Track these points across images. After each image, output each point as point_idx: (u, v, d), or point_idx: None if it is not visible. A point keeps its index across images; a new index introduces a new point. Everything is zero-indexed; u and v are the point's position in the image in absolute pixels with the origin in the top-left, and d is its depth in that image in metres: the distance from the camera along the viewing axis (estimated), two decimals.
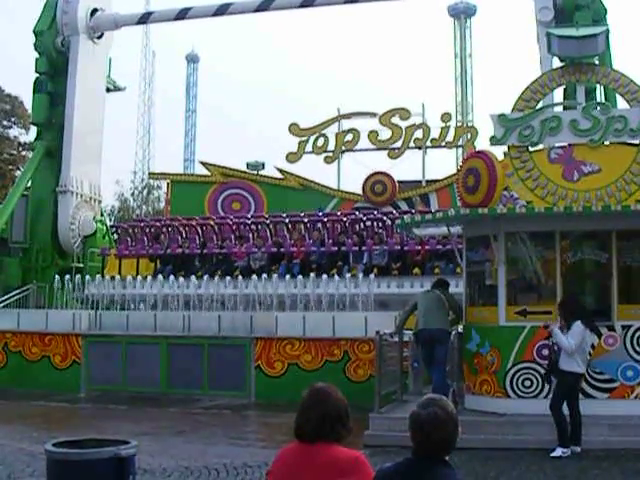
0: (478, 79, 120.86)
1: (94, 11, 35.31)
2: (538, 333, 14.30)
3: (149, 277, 25.86)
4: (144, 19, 37.36)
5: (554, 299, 14.54)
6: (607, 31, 16.98)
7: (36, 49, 35.14)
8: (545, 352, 13.93)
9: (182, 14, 34.61)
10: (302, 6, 33.12)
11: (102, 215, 38.35)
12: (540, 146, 15.86)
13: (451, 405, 4.46)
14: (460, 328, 16.24)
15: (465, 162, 16.41)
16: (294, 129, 34.78)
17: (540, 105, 16.14)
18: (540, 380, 14.21)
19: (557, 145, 15.80)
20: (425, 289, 16.55)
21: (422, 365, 16.26)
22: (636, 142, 15.45)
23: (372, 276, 23.33)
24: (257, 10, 33.69)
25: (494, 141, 15.80)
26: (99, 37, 35.89)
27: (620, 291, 14.56)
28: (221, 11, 33.89)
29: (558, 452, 12.65)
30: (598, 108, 15.84)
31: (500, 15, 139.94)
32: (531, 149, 15.77)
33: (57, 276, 27.20)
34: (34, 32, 35.04)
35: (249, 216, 30.79)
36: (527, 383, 14.48)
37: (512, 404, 14.46)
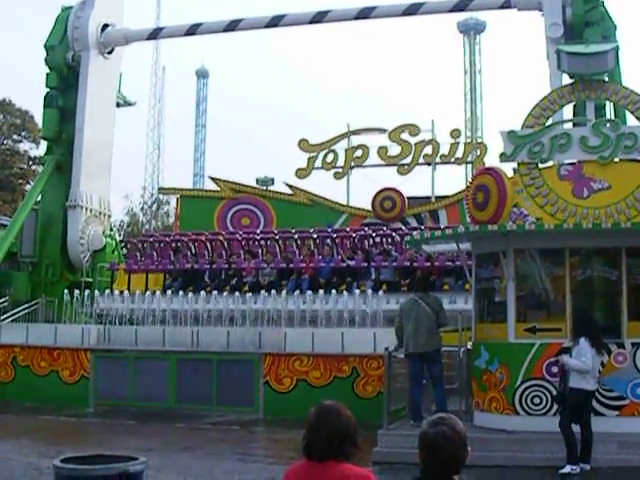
0: (488, 95, 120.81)
1: (105, 26, 35.44)
2: (548, 350, 14.29)
3: (158, 292, 25.85)
4: (154, 35, 37.51)
5: (564, 316, 14.53)
6: (617, 48, 17.00)
7: (47, 64, 35.23)
8: (555, 369, 13.90)
9: (192, 30, 34.72)
10: (312, 22, 33.21)
11: (111, 230, 38.37)
12: (550, 163, 15.84)
13: (460, 424, 4.44)
14: (469, 345, 16.25)
15: (474, 179, 16.40)
16: (303, 145, 34.78)
17: (550, 122, 16.14)
18: (549, 397, 14.17)
19: (567, 162, 15.77)
20: (410, 298, 16.26)
21: (426, 380, 16.15)
22: None
23: (381, 292, 23.30)
24: (267, 26, 33.80)
25: (504, 158, 15.78)
26: (110, 52, 36.00)
27: (630, 308, 14.51)
28: (231, 27, 34.00)
29: (567, 469, 12.59)
30: (608, 125, 15.80)
31: (510, 32, 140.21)
32: (541, 166, 15.74)
33: (66, 290, 27.21)
34: (45, 47, 35.15)
35: (258, 232, 30.80)
36: (536, 400, 14.42)
37: (521, 421, 14.40)
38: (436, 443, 4.32)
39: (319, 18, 32.94)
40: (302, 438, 4.79)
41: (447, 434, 4.33)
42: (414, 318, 15.50)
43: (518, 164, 15.78)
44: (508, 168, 16.34)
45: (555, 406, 13.79)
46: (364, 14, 32.59)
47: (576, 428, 12.88)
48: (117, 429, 18.69)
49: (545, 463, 13.08)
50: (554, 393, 13.78)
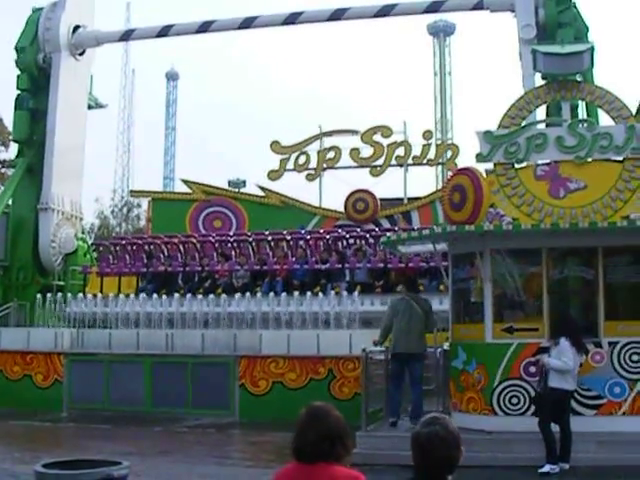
0: (458, 97, 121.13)
1: (76, 28, 35.25)
2: (525, 350, 14.30)
3: (131, 295, 25.69)
4: (126, 36, 37.39)
5: (541, 316, 14.56)
6: (592, 48, 17.01)
7: (17, 66, 35.01)
8: (533, 369, 13.92)
9: (164, 31, 34.60)
10: (285, 23, 33.23)
11: (83, 233, 38.15)
12: (526, 163, 15.86)
13: (453, 424, 4.40)
14: (446, 345, 16.25)
15: (451, 179, 16.40)
16: (275, 147, 34.71)
17: (524, 122, 16.17)
18: (527, 397, 14.18)
19: (543, 162, 15.80)
20: (402, 297, 16.18)
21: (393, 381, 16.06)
22: (621, 159, 15.46)
23: (356, 294, 23.28)
24: (240, 28, 33.77)
25: (480, 158, 15.78)
26: (81, 54, 35.82)
27: (606, 308, 14.54)
28: (203, 28, 33.93)
29: (546, 469, 12.59)
30: (584, 125, 15.86)
31: (479, 34, 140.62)
32: (517, 166, 15.76)
33: (38, 294, 27.01)
34: (15, 49, 34.93)
35: (231, 234, 30.70)
36: (514, 400, 14.42)
37: (499, 421, 14.39)
38: (429, 443, 4.27)
39: (292, 19, 32.94)
40: (291, 440, 4.73)
41: (440, 434, 4.28)
42: (407, 318, 15.43)
43: (494, 164, 15.78)
44: (482, 168, 16.30)
45: (533, 407, 13.81)
46: (337, 15, 32.63)
47: (555, 428, 12.89)
48: (92, 433, 18.54)
49: (524, 463, 13.05)
50: (533, 394, 13.78)
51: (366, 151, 33.90)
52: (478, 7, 31.24)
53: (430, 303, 16.17)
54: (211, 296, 24.24)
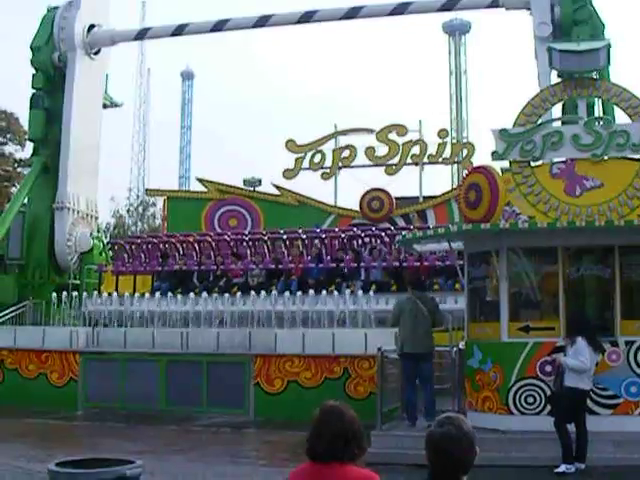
0: (473, 95, 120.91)
1: (91, 27, 35.28)
2: (541, 349, 14.25)
3: (146, 294, 25.72)
4: (141, 35, 37.38)
5: (557, 315, 14.51)
6: (608, 45, 16.92)
7: (33, 65, 35.04)
8: (548, 368, 13.86)
9: (179, 30, 34.58)
10: (300, 22, 33.17)
11: (99, 232, 38.18)
12: (541, 161, 15.79)
13: (468, 424, 4.36)
14: (461, 344, 16.19)
15: (466, 177, 16.35)
16: (291, 145, 34.64)
17: (540, 120, 16.10)
18: (543, 396, 14.11)
19: (559, 160, 15.72)
20: (408, 297, 16.09)
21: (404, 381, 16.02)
22: (638, 157, 15.39)
23: (371, 292, 23.22)
24: (255, 26, 33.70)
25: (496, 156, 15.74)
26: (96, 53, 35.83)
27: (623, 306, 14.49)
28: (218, 27, 33.90)
29: (562, 468, 12.55)
30: (600, 123, 15.80)
31: (494, 32, 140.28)
32: (533, 164, 15.70)
33: (54, 293, 27.06)
34: (31, 48, 34.95)
35: (246, 232, 30.68)
36: (530, 399, 14.37)
37: (515, 421, 14.35)
38: (443, 443, 4.25)
39: (307, 18, 32.88)
40: (306, 439, 4.70)
41: (454, 434, 4.26)
42: (413, 318, 15.38)
43: (510, 162, 15.73)
44: (497, 167, 16.25)
45: (549, 406, 13.75)
46: (351, 14, 32.54)
47: (571, 427, 12.83)
48: (107, 432, 18.56)
49: (540, 462, 13.00)
50: (549, 393, 13.72)
51: (381, 150, 33.77)
52: (493, 5, 31.11)
53: (436, 301, 16.17)
54: (226, 295, 24.23)
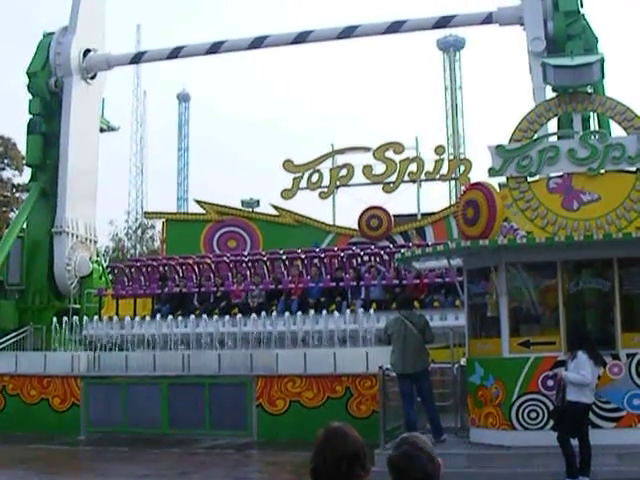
0: (469, 111, 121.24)
1: (87, 52, 35.47)
2: (542, 364, 14.23)
3: (147, 317, 25.73)
4: (137, 59, 37.56)
5: (557, 329, 14.48)
6: (602, 59, 16.97)
7: (29, 90, 35.24)
8: (550, 383, 13.85)
9: (175, 53, 34.77)
10: (295, 42, 33.34)
11: (98, 256, 38.23)
12: (538, 176, 15.83)
13: (422, 439, 4.37)
14: (463, 361, 16.19)
15: (464, 194, 16.39)
16: (288, 165, 34.74)
17: (536, 135, 16.16)
18: (546, 411, 14.09)
19: (556, 175, 15.76)
20: (396, 317, 16.09)
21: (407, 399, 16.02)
22: (634, 169, 15.43)
23: (371, 311, 23.24)
24: (250, 48, 33.89)
25: (492, 172, 15.77)
26: (92, 77, 36.04)
27: (623, 319, 14.46)
28: (214, 49, 34.08)
29: None
30: (595, 136, 15.85)
31: (489, 47, 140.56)
32: (529, 179, 15.74)
33: (54, 318, 27.06)
34: (27, 73, 35.16)
35: (246, 253, 30.72)
36: (533, 414, 14.34)
37: (518, 436, 14.30)
38: (401, 463, 4.26)
39: (302, 38, 33.04)
40: (309, 461, 4.70)
41: (410, 453, 4.27)
42: (402, 339, 15.40)
43: (507, 178, 15.77)
44: (494, 182, 16.29)
45: (551, 421, 13.72)
46: (347, 33, 32.73)
47: (574, 442, 12.81)
48: (110, 456, 18.52)
49: (544, 477, 12.96)
50: (551, 408, 13.70)
51: (379, 168, 33.89)
52: (487, 21, 31.32)
53: (426, 318, 16.16)
54: (227, 316, 24.24)
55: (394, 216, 33.08)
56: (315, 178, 34.45)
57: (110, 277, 33.24)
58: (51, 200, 34.50)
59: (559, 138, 17.84)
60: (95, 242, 37.19)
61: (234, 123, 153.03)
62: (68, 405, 22.22)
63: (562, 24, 28.83)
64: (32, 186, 35.70)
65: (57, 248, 34.08)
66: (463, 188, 18.33)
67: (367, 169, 33.95)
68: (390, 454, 4.34)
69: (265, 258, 28.74)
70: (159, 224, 47.95)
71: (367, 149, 34.36)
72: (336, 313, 23.32)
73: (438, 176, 33.74)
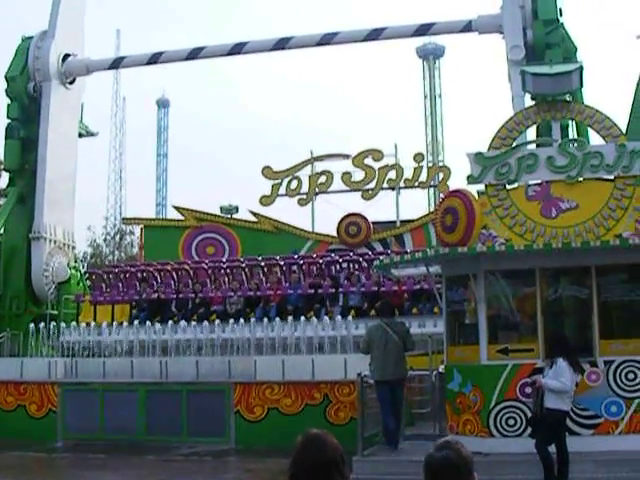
0: (448, 119, 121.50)
1: (66, 56, 35.33)
2: (521, 371, 14.25)
3: (125, 323, 25.62)
4: (116, 64, 37.49)
5: (536, 337, 14.51)
6: (581, 68, 17.03)
7: (7, 95, 35.10)
8: (528, 390, 13.86)
9: (154, 58, 34.69)
10: (274, 49, 33.34)
11: (76, 261, 38.07)
12: (517, 184, 15.86)
13: (466, 449, 4.32)
14: (441, 368, 16.20)
15: (442, 201, 16.43)
16: (267, 172, 34.71)
17: (515, 143, 16.20)
18: (524, 418, 14.11)
19: (534, 182, 15.81)
20: (377, 324, 16.10)
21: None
22: (612, 177, 15.49)
23: (350, 318, 23.23)
24: (229, 54, 33.88)
25: (471, 180, 15.81)
26: (71, 82, 35.88)
27: (601, 327, 14.51)
28: (193, 55, 34.04)
29: None
30: (574, 145, 15.91)
31: (469, 55, 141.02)
32: (508, 187, 15.77)
33: (31, 324, 26.91)
34: (5, 77, 35.01)
35: (224, 260, 30.66)
36: (511, 422, 14.36)
37: (496, 443, 14.31)
38: (441, 468, 4.20)
39: (281, 45, 33.06)
40: (288, 467, 4.68)
41: (451, 458, 4.21)
42: (382, 346, 15.40)
43: (486, 186, 15.80)
44: (473, 190, 16.32)
45: (529, 428, 13.74)
46: (326, 40, 32.75)
47: (552, 448, 12.82)
48: (88, 463, 18.45)
49: None
50: (529, 415, 13.71)
51: (358, 175, 33.92)
52: (467, 29, 31.41)
53: (407, 326, 16.20)
54: (205, 323, 24.18)
55: (373, 223, 33.13)
56: (294, 185, 34.44)
57: (88, 283, 33.10)
58: (29, 205, 34.35)
59: (538, 146, 17.91)
60: (73, 248, 37.02)
61: (213, 130, 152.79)
62: (45, 412, 22.07)
63: (541, 32, 28.94)
64: (10, 191, 35.53)
65: (35, 254, 33.90)
66: (442, 195, 18.35)
67: (346, 176, 33.96)
68: (431, 454, 4.26)
69: (244, 265, 28.70)
70: (137, 230, 47.77)
71: (346, 156, 34.40)
72: (314, 320, 23.30)
73: (417, 183, 33.81)
